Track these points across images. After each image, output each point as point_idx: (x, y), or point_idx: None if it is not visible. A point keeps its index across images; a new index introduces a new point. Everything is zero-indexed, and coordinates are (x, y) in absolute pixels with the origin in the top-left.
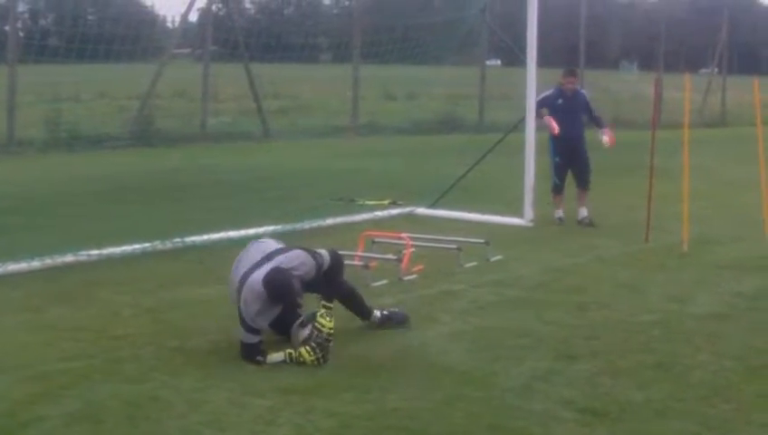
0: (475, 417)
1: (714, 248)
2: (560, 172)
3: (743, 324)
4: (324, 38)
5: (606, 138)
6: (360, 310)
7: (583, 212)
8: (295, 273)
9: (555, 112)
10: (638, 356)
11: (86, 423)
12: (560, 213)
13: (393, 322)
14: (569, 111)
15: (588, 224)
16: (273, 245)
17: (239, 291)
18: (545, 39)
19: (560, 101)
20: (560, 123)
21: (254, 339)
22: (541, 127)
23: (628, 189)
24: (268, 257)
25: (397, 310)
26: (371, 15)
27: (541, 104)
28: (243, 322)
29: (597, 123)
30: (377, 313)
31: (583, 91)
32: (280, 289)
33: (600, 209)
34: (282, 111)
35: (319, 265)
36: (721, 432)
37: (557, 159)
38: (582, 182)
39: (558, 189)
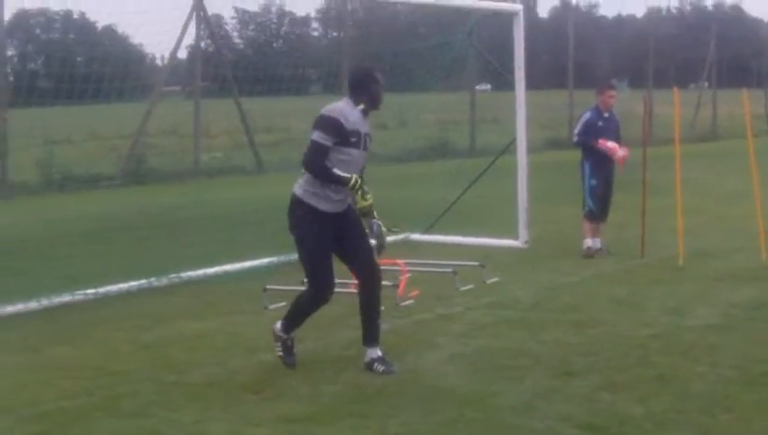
0: None
1: (709, 261)
2: (595, 196)
3: (741, 335)
4: (314, 70)
5: (620, 151)
6: (369, 332)
7: (598, 243)
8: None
9: (597, 137)
10: (636, 370)
11: None
12: (589, 242)
13: (378, 370)
14: (607, 133)
15: (607, 253)
16: None
17: None
18: (534, 61)
19: (600, 123)
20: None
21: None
22: (535, 150)
23: (622, 206)
24: None
25: (392, 366)
26: (360, 45)
27: (587, 129)
28: None
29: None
30: (375, 353)
31: (614, 110)
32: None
33: None
34: (275, 144)
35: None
36: None
37: (593, 182)
38: (604, 214)
39: (592, 215)
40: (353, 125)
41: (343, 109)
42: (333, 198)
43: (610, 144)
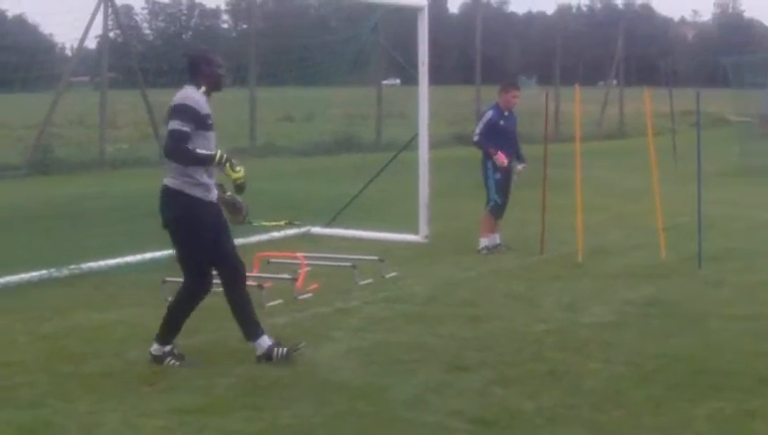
0: (366, 431)
1: (608, 258)
2: (501, 190)
3: (634, 331)
4: (223, 61)
5: (521, 169)
6: (248, 326)
7: (497, 239)
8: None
9: (498, 136)
10: (529, 365)
11: None
12: (487, 241)
13: (281, 354)
14: (509, 131)
15: (506, 248)
16: None
17: None
18: (443, 57)
19: (501, 122)
20: (502, 146)
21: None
22: (440, 145)
23: (524, 203)
24: None
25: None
26: (269, 38)
27: (489, 130)
28: None
29: (519, 155)
30: (265, 342)
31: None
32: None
33: None
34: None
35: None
36: None
37: (498, 176)
38: (504, 209)
39: (498, 210)
40: (204, 108)
41: (191, 95)
42: (209, 184)
43: (503, 157)
